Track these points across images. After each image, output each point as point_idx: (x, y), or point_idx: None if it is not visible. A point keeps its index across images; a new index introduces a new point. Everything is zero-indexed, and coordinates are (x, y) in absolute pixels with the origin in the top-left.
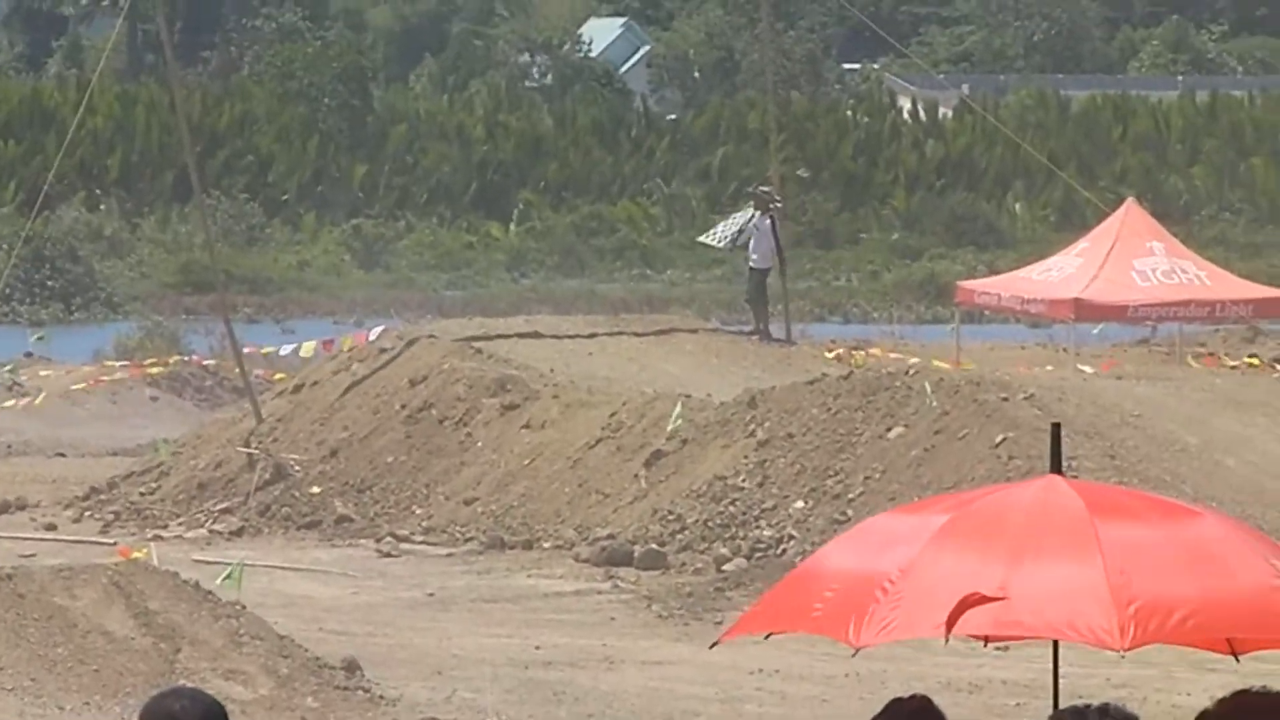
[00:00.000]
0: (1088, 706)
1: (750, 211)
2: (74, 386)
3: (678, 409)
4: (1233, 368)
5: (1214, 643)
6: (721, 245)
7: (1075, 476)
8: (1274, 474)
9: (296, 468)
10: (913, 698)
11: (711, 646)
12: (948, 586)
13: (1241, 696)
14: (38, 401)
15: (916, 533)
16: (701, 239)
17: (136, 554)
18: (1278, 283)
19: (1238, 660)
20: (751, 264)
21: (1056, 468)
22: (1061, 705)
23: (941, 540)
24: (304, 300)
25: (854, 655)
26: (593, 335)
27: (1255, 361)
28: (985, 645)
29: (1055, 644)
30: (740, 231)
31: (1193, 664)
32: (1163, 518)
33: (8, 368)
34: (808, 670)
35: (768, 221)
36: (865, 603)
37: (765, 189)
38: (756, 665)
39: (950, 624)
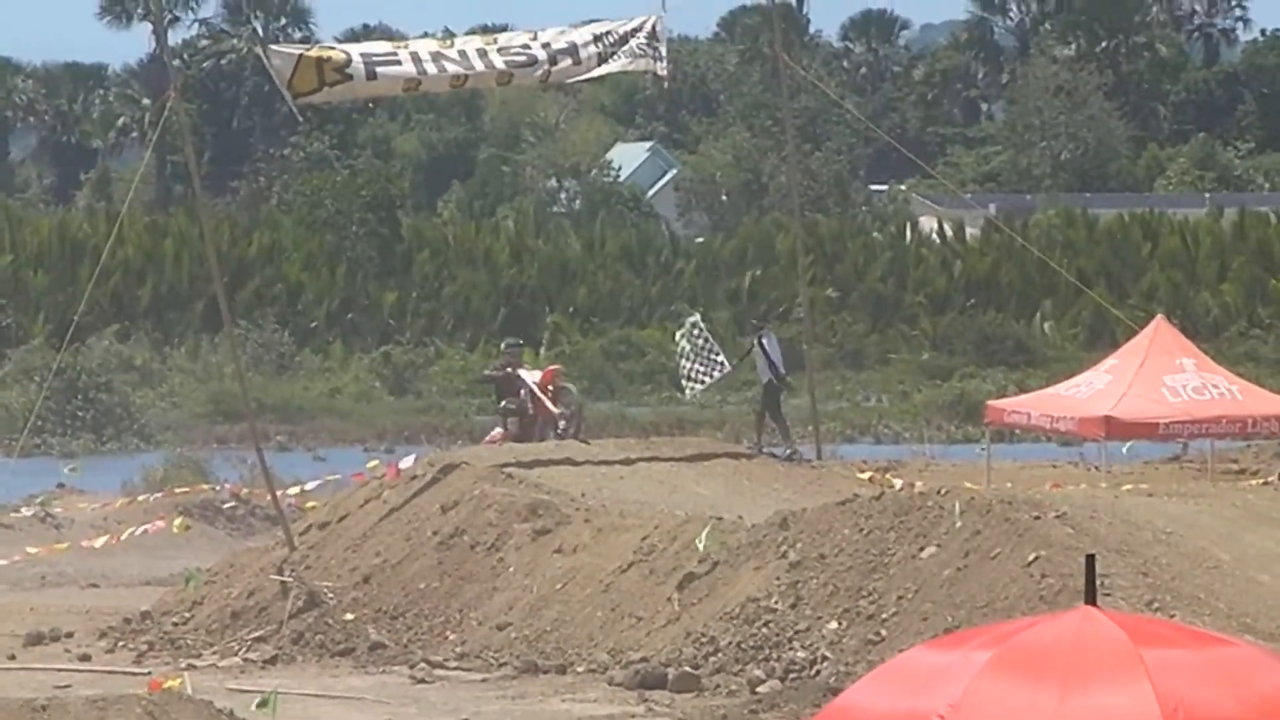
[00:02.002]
0: None
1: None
2: (127, 526)
3: (705, 533)
4: (1265, 484)
5: None
6: (696, 389)
7: (1108, 594)
8: None
9: (330, 595)
10: None
11: None
12: (1010, 707)
13: None
14: (62, 545)
15: (960, 667)
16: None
17: (170, 683)
18: None
19: None
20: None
21: (1091, 599)
22: None
23: (990, 674)
24: (335, 428)
25: None
26: (627, 461)
27: None
28: None
29: None
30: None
31: None
32: (1200, 643)
33: (40, 499)
34: None
35: (755, 341)
36: None
37: (754, 321)
38: None
39: None
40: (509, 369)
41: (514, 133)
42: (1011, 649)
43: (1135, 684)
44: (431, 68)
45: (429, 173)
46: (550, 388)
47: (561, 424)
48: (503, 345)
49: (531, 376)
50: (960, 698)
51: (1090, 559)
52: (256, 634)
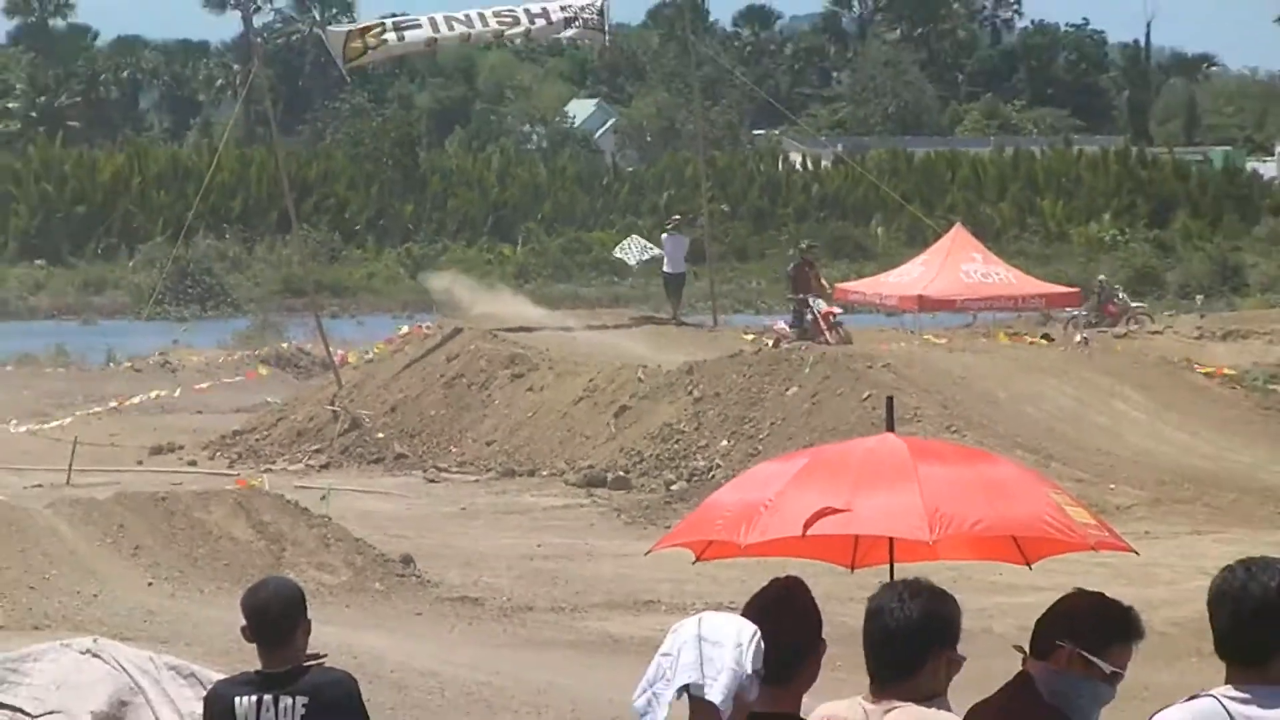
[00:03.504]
0: (900, 581)
1: (665, 238)
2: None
3: (639, 376)
4: (1031, 343)
5: (1011, 555)
6: (632, 263)
7: (919, 421)
8: (1060, 419)
9: (367, 420)
10: (786, 578)
11: (646, 554)
12: (808, 503)
13: (1073, 595)
14: (176, 393)
15: (786, 471)
16: (616, 253)
17: (254, 482)
18: (1062, 283)
19: (1030, 568)
20: (665, 270)
21: (890, 427)
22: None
23: (804, 475)
24: (370, 301)
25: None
26: (588, 328)
27: (1044, 341)
28: (852, 571)
29: (890, 542)
30: (652, 257)
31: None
32: (967, 461)
33: (161, 351)
34: (733, 561)
35: (679, 238)
36: (753, 516)
37: (674, 217)
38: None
39: (808, 525)
40: (806, 267)
41: (500, 92)
42: (819, 461)
43: (907, 490)
44: (445, 29)
45: (438, 120)
46: (831, 319)
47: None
48: (802, 245)
49: (818, 305)
50: (782, 489)
51: (889, 400)
52: (315, 448)
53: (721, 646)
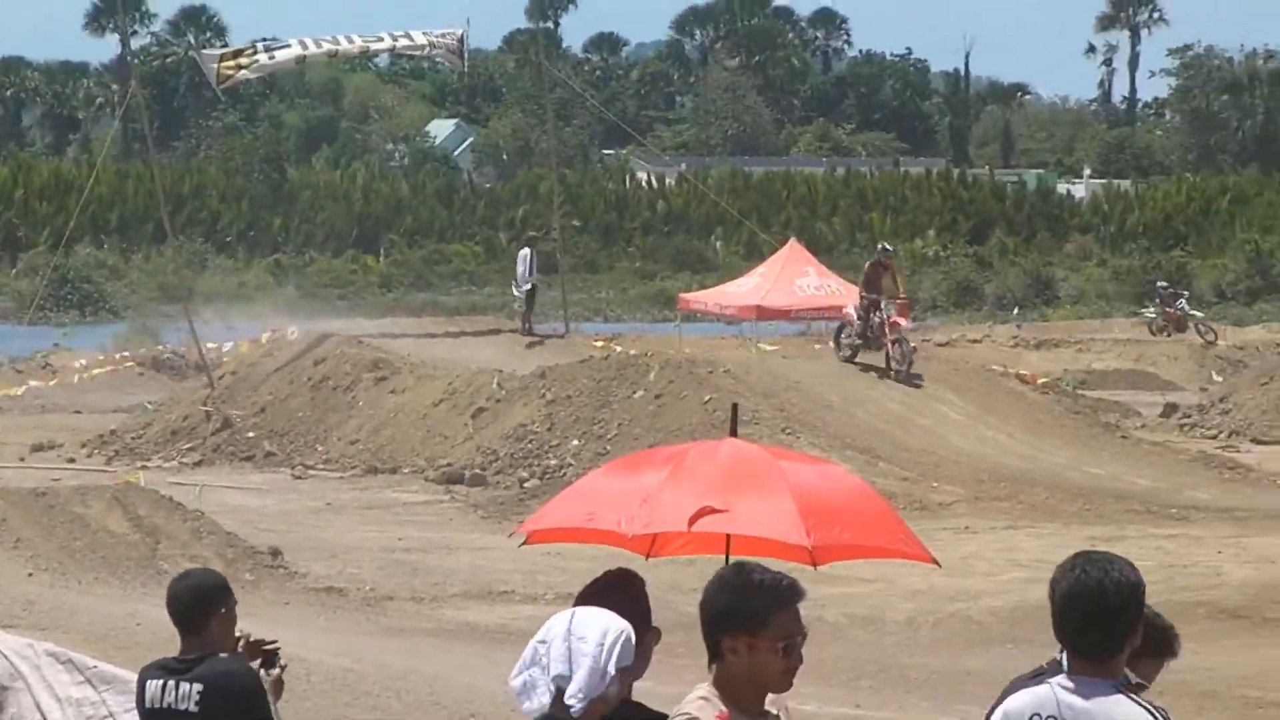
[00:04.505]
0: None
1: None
2: (96, 371)
3: (495, 380)
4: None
5: (801, 557)
6: (525, 285)
7: (757, 424)
8: (887, 421)
9: (238, 420)
10: (619, 569)
11: (510, 535)
12: (689, 501)
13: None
14: (52, 383)
15: (662, 464)
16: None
17: (130, 479)
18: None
19: (815, 568)
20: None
21: (734, 432)
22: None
23: (678, 473)
24: (242, 309)
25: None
26: (447, 334)
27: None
28: (647, 559)
29: (728, 537)
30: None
31: None
32: (810, 462)
33: (42, 354)
34: (581, 553)
35: (526, 252)
36: (629, 509)
37: (531, 234)
38: (549, 550)
39: (693, 520)
40: (880, 268)
41: (364, 112)
42: (690, 461)
43: (779, 489)
44: (313, 47)
45: (306, 138)
46: (896, 326)
47: (894, 363)
48: (879, 247)
49: (888, 311)
50: (660, 484)
51: (734, 406)
52: (188, 446)
53: (585, 642)
